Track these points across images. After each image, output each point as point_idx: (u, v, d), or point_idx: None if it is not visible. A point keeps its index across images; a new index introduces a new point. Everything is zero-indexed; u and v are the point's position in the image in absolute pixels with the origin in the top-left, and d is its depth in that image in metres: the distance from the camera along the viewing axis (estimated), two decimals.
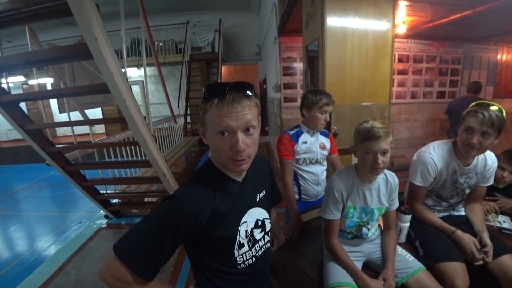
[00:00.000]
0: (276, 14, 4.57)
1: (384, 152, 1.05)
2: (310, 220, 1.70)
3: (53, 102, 7.29)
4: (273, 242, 1.39)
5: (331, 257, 1.22)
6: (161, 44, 7.92)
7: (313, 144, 1.68)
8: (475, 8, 3.46)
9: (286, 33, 4.31)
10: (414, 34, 4.75)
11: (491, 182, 1.42)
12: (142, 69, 8.30)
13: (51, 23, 7.36)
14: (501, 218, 1.65)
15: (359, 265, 1.22)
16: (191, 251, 0.81)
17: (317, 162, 1.72)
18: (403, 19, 3.99)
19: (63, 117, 2.84)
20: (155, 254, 0.67)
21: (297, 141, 1.65)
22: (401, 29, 4.17)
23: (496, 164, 1.39)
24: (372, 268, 1.26)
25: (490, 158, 1.37)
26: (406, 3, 3.36)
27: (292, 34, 4.26)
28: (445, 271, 1.17)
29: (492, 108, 1.18)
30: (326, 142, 1.76)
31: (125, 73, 2.21)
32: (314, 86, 2.36)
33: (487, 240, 1.26)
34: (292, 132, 1.67)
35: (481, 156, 1.35)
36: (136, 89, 3.70)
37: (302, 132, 1.68)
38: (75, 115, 3.10)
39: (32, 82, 8.55)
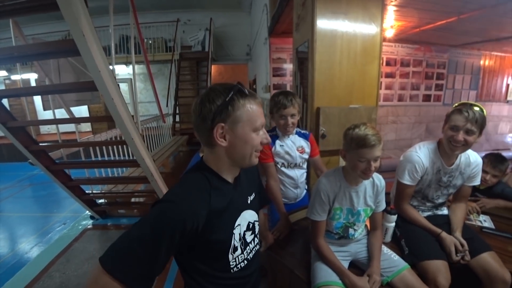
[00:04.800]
0: (267, 14, 4.58)
1: (376, 159, 1.08)
2: (298, 221, 1.71)
3: (37, 99, 7.07)
4: (261, 243, 1.40)
5: (318, 257, 1.23)
6: (150, 42, 7.82)
7: (291, 148, 1.65)
8: (460, 15, 3.56)
9: (277, 34, 4.32)
10: (402, 38, 4.84)
11: (477, 182, 1.47)
12: (131, 66, 8.22)
13: (37, 17, 7.14)
14: (482, 217, 1.73)
15: (345, 265, 1.24)
16: (181, 256, 0.77)
17: (296, 166, 1.70)
18: (391, 23, 4.06)
19: (48, 114, 2.76)
20: (150, 264, 0.61)
21: (274, 143, 1.63)
22: (389, 33, 4.26)
23: (481, 164, 1.45)
24: (359, 267, 1.28)
25: (473, 158, 1.42)
26: (395, 8, 3.43)
27: (282, 35, 4.27)
28: (428, 269, 1.22)
29: (475, 108, 1.25)
30: (306, 145, 1.71)
31: (113, 70, 2.16)
32: (304, 87, 2.38)
33: (461, 239, 1.33)
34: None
35: (464, 156, 1.40)
36: (124, 87, 3.65)
37: (278, 137, 1.65)
38: (60, 113, 3.03)
39: (15, 77, 8.26)
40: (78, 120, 2.65)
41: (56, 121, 2.52)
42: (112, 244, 0.61)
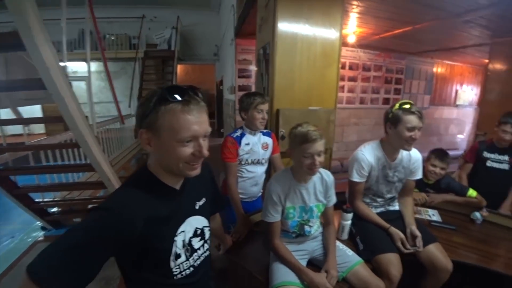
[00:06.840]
0: (234, 15, 4.56)
1: (319, 154, 1.12)
2: (259, 222, 1.70)
3: None
4: (219, 246, 1.38)
5: (276, 258, 1.24)
6: (113, 38, 7.43)
7: (255, 145, 1.73)
8: (415, 25, 3.84)
9: (243, 35, 4.32)
10: (364, 44, 5.10)
11: (419, 176, 1.60)
12: (90, 63, 7.75)
13: None
14: (430, 212, 1.88)
15: (303, 263, 1.26)
16: (123, 263, 0.75)
17: (258, 162, 1.77)
18: (353, 29, 4.26)
19: None
20: (80, 273, 0.59)
21: (240, 143, 1.69)
22: (352, 39, 4.45)
23: (420, 159, 1.58)
24: (316, 265, 1.31)
25: (413, 153, 1.54)
26: (357, 15, 3.60)
27: (249, 36, 4.27)
28: (382, 262, 1.29)
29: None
30: (269, 141, 1.81)
31: (64, 67, 2.02)
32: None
33: (416, 232, 1.42)
34: (235, 134, 1.71)
35: (405, 152, 1.51)
36: (82, 85, 3.42)
37: (245, 134, 1.72)
38: (6, 113, 2.77)
39: None
40: (26, 121, 2.43)
41: None
42: (41, 251, 0.57)
